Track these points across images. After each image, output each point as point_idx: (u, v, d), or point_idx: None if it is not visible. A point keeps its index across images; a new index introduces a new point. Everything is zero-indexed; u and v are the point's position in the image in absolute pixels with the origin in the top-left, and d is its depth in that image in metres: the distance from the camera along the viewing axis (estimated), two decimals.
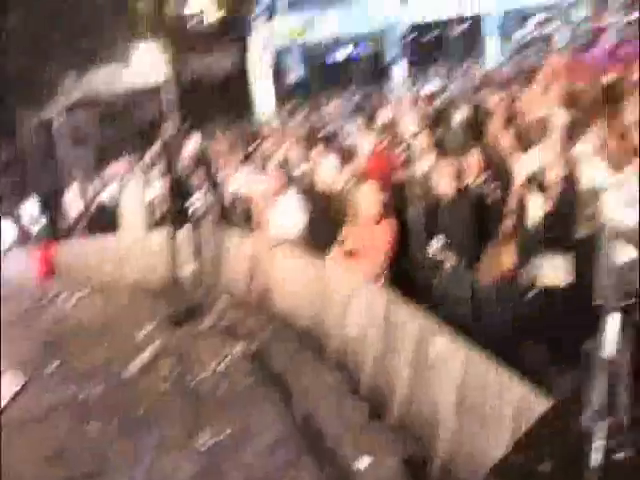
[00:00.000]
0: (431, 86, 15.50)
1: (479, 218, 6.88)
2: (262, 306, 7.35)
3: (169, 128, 16.09)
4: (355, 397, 5.24)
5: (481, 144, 7.86)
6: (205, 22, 16.44)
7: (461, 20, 21.78)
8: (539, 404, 3.61)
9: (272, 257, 7.43)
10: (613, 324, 2.72)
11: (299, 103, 15.63)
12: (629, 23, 26.77)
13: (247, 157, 10.40)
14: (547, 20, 27.78)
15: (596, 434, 2.41)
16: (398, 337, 5.23)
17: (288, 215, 7.52)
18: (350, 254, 6.55)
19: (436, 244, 7.34)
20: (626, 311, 2.76)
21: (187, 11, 16.61)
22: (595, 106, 9.56)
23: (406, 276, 7.54)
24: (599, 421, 2.41)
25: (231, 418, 5.19)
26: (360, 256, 6.46)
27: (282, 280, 7.25)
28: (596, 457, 2.42)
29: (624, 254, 2.79)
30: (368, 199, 6.60)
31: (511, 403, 3.83)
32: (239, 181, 9.43)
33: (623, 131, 7.24)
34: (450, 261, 7.13)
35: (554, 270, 6.65)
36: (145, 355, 6.67)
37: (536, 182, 7.28)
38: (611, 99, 9.43)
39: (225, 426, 5.02)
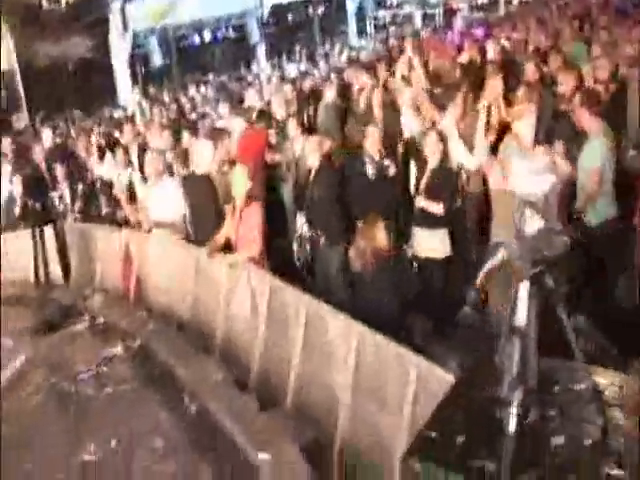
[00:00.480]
0: (297, 67, 15.46)
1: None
2: (139, 301, 6.94)
3: (20, 119, 15.03)
4: (244, 390, 5.04)
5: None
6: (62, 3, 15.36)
7: (322, 1, 21.89)
8: (438, 380, 3.59)
9: (147, 247, 7.04)
10: (523, 293, 2.71)
11: (163, 87, 15.08)
12: (480, 8, 28.28)
13: (113, 144, 9.83)
14: (403, 2, 28.66)
15: (513, 402, 2.38)
16: (286, 323, 5.09)
17: (166, 200, 7.17)
18: (227, 240, 6.38)
19: (301, 220, 7.32)
20: (534, 281, 2.76)
21: None
22: (456, 83, 9.91)
23: (285, 256, 7.49)
24: (516, 389, 2.38)
25: (118, 423, 4.85)
26: (237, 241, 6.29)
27: (158, 270, 6.88)
28: (512, 423, 2.40)
29: (533, 223, 2.79)
30: (238, 183, 6.42)
31: (410, 382, 3.79)
32: (106, 169, 8.90)
33: (478, 109, 7.53)
34: (317, 236, 7.16)
35: (432, 243, 6.79)
36: (7, 371, 6.05)
37: (414, 147, 7.45)
38: (468, 77, 9.81)
39: (112, 432, 4.69)
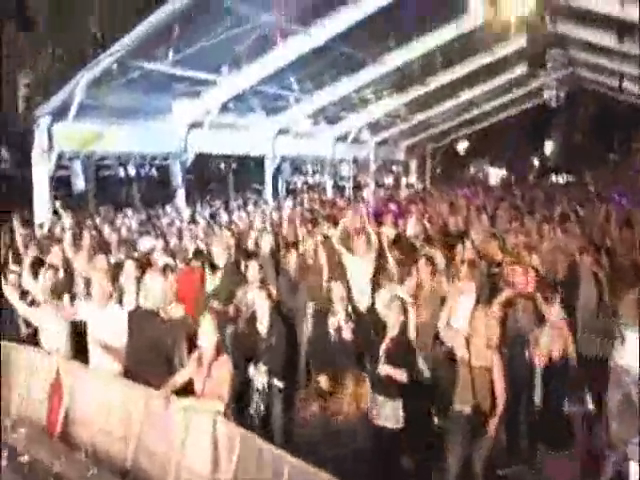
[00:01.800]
0: (216, 215, 15.60)
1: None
2: (66, 439, 6.12)
3: None
4: None
5: None
6: None
7: (244, 158, 22.59)
8: None
9: (82, 378, 6.37)
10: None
11: (86, 212, 14.63)
12: (386, 187, 30.20)
13: (38, 263, 9.16)
14: (315, 172, 30.24)
15: None
16: None
17: (111, 325, 6.82)
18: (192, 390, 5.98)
19: (253, 369, 7.09)
20: None
21: None
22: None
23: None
24: None
25: None
26: (202, 396, 5.91)
27: (93, 406, 6.19)
28: None
29: None
30: (206, 333, 6.11)
31: None
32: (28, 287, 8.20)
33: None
34: (269, 385, 6.93)
35: (388, 412, 6.67)
36: None
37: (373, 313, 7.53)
38: (399, 249, 10.28)
39: None
